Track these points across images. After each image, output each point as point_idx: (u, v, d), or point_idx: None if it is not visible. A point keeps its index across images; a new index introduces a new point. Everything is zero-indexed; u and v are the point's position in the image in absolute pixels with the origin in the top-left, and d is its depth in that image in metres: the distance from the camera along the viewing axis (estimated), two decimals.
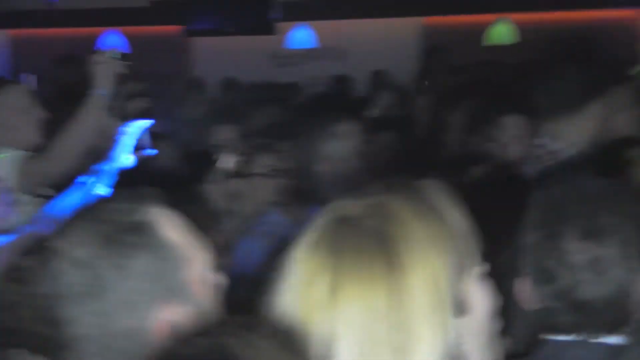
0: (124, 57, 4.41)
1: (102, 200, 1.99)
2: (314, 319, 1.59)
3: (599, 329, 2.29)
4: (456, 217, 1.76)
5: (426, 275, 1.59)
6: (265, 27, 13.18)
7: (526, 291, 2.36)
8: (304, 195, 4.31)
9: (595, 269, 2.28)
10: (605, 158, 3.47)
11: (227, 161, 4.73)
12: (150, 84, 4.71)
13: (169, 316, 1.85)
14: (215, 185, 4.63)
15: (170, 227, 1.92)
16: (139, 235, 1.87)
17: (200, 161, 4.91)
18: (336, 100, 8.51)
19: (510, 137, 5.28)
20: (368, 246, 1.61)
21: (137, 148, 4.54)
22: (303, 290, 1.62)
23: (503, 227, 2.49)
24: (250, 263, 3.91)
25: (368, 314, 1.57)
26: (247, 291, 1.86)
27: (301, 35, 13.98)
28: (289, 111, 7.03)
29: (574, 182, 2.45)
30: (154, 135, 4.64)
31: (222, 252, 2.72)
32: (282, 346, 1.41)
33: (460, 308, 1.65)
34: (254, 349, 1.36)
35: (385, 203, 1.67)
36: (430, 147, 6.29)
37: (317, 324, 1.58)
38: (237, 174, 4.71)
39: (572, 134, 4.15)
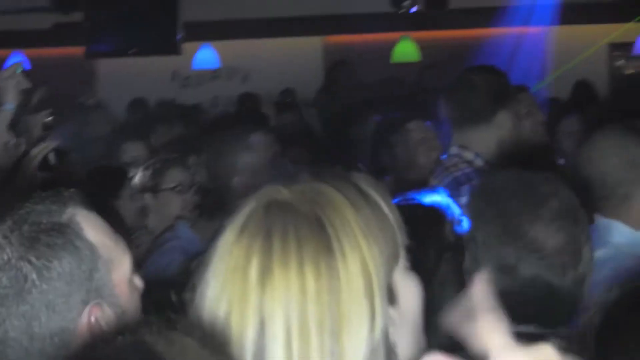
0: (27, 74, 4.33)
1: (26, 202, 1.95)
2: (244, 303, 1.56)
3: (556, 319, 2.32)
4: (385, 208, 1.75)
5: (357, 260, 1.57)
6: (169, 48, 13.11)
7: (483, 286, 2.36)
8: (214, 209, 4.29)
9: (572, 249, 2.32)
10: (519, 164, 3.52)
11: (137, 177, 4.70)
12: (55, 105, 4.64)
13: (94, 317, 1.83)
14: (126, 201, 4.58)
15: (94, 228, 1.90)
16: (63, 236, 1.84)
17: (109, 178, 4.86)
18: (243, 117, 8.51)
19: (417, 142, 5.35)
20: (299, 229, 1.59)
21: (42, 166, 4.46)
22: (233, 274, 1.59)
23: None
24: (160, 278, 3.87)
25: (298, 297, 1.55)
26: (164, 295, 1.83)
27: (205, 56, 13.96)
28: (198, 128, 7.02)
29: (511, 174, 2.49)
30: (58, 152, 4.56)
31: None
32: (203, 343, 1.39)
33: (390, 297, 1.64)
34: (177, 347, 1.34)
35: (317, 189, 1.66)
36: (338, 160, 6.32)
37: (247, 308, 1.56)
38: (147, 189, 4.68)
39: (481, 143, 4.20)
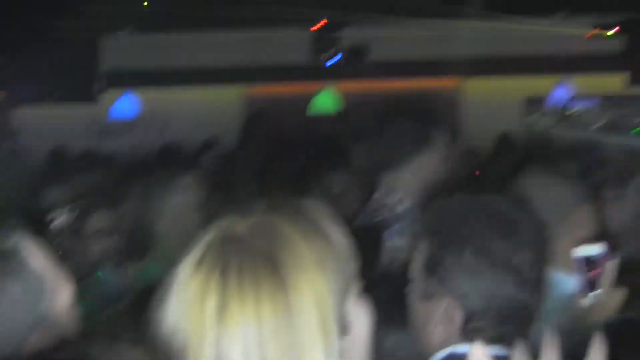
0: None
1: None
2: (202, 338, 1.57)
3: (517, 338, 2.35)
4: (338, 236, 1.77)
5: (312, 295, 1.60)
6: (88, 96, 13.06)
7: (453, 310, 2.37)
8: (139, 253, 4.25)
9: (541, 267, 2.39)
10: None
11: (59, 221, 4.64)
12: None
13: (39, 344, 1.80)
14: (47, 245, 4.51)
15: (38, 256, 1.89)
16: (9, 263, 1.82)
17: (30, 223, 4.79)
18: (167, 162, 8.48)
19: (338, 192, 5.43)
20: (255, 266, 1.60)
21: None
22: (190, 309, 1.59)
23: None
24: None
25: (256, 333, 1.56)
26: None
27: (125, 104, 13.91)
28: (118, 175, 6.98)
29: (469, 197, 2.52)
30: None
31: None
32: (146, 354, 1.39)
33: (343, 327, 1.66)
34: (119, 357, 1.34)
35: (270, 222, 1.67)
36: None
37: (206, 343, 1.56)
38: (69, 233, 4.63)
39: (404, 187, 4.25)
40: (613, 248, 3.37)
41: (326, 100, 13.77)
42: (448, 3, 11.70)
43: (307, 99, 13.89)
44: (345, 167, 6.03)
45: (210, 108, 13.89)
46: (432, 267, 2.40)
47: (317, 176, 5.80)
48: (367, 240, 3.62)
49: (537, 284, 2.39)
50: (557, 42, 13.59)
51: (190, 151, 10.52)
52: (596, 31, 13.64)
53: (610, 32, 13.57)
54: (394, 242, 4.01)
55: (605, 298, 3.19)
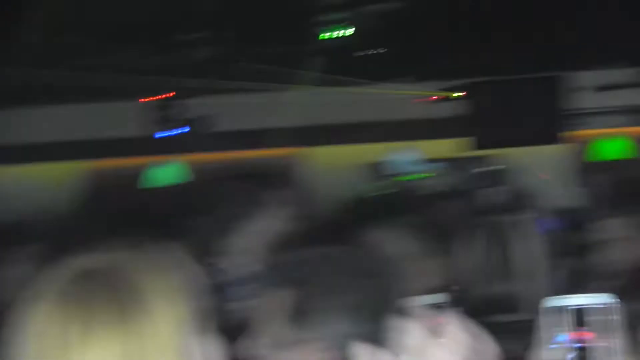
0: None
1: None
2: None
3: None
4: (192, 274, 1.85)
5: (169, 325, 1.67)
6: None
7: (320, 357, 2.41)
8: None
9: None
10: None
11: None
12: None
13: None
14: None
15: None
16: None
17: None
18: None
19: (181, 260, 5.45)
20: (110, 298, 1.65)
21: None
22: (49, 343, 1.60)
23: None
24: None
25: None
26: None
27: None
28: None
29: (318, 252, 2.59)
30: None
31: None
32: None
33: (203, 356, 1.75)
34: None
35: (128, 257, 1.75)
36: None
37: None
38: None
39: (244, 249, 4.27)
40: (456, 297, 3.38)
41: (170, 172, 13.67)
42: (294, 72, 11.83)
43: (149, 171, 13.76)
44: (186, 236, 5.99)
45: (49, 183, 13.60)
46: (301, 316, 2.44)
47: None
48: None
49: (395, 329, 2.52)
50: (401, 107, 13.86)
51: (28, 226, 10.25)
52: (439, 96, 13.96)
53: (453, 96, 13.91)
54: (237, 304, 3.98)
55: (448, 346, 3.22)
